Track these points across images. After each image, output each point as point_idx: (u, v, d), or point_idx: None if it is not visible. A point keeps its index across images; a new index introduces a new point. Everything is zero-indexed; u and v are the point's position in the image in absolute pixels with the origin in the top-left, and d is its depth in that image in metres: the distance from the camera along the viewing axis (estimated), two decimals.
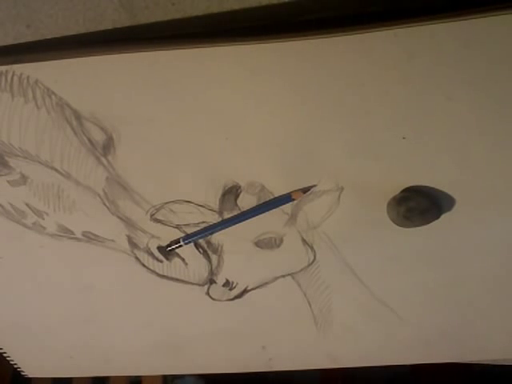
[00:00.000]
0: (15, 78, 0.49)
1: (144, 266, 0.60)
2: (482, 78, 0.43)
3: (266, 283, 0.59)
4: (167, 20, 0.48)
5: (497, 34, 0.41)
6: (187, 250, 0.58)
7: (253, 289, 0.60)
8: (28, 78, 0.49)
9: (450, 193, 0.49)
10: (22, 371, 0.73)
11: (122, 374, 0.71)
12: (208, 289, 0.60)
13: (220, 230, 0.55)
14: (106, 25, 0.49)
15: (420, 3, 0.43)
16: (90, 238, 0.58)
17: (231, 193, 0.53)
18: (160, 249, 0.58)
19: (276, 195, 0.53)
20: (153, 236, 0.58)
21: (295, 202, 0.52)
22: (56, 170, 0.53)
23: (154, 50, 0.47)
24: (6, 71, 0.49)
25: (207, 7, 0.47)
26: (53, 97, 0.50)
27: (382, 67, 0.44)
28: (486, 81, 0.43)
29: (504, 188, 0.48)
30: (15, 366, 0.72)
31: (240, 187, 0.53)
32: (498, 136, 0.46)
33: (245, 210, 0.54)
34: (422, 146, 0.47)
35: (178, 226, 0.56)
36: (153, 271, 0.60)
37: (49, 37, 0.49)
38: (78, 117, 0.50)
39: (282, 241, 0.56)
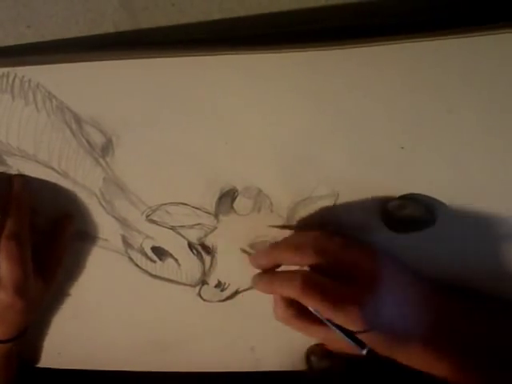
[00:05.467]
0: (17, 81, 0.49)
1: (137, 265, 0.60)
2: (483, 93, 0.44)
3: None
4: (169, 26, 0.48)
5: (499, 52, 0.42)
6: (181, 251, 0.58)
7: (244, 290, 0.60)
8: (30, 81, 0.49)
9: (446, 201, 0.50)
10: None
11: (110, 370, 0.70)
12: (200, 290, 0.61)
13: None
14: (107, 25, 0.49)
15: (424, 17, 0.43)
16: (84, 237, 0.58)
17: (228, 196, 0.53)
18: (154, 249, 0.58)
19: (272, 199, 0.53)
20: (147, 236, 0.58)
21: (291, 206, 0.53)
22: (53, 169, 0.53)
23: (156, 56, 0.47)
24: (8, 73, 0.48)
25: (207, 7, 0.47)
26: (53, 100, 0.49)
27: (385, 80, 0.45)
28: (486, 96, 0.44)
29: (500, 199, 0.49)
30: None
31: (237, 191, 0.53)
32: (496, 149, 0.46)
33: (240, 212, 0.55)
34: (419, 156, 0.48)
35: (172, 228, 0.57)
36: (145, 271, 0.60)
37: (49, 37, 0.49)
38: (78, 120, 0.50)
39: None
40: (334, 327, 0.47)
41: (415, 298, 0.50)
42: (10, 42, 0.49)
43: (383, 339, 0.48)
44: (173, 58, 0.47)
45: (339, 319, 0.46)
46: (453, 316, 0.51)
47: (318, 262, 0.47)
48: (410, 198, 0.50)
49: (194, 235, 0.57)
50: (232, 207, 0.54)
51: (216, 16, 0.47)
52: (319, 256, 0.47)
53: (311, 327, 0.49)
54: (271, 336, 0.63)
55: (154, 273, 0.60)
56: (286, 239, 0.53)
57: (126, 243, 0.58)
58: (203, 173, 0.52)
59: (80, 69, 0.48)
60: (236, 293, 0.60)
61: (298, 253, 0.48)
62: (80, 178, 0.54)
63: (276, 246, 0.52)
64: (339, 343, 0.49)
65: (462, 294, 0.53)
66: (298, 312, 0.49)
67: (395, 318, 0.48)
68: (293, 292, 0.47)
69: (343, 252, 0.49)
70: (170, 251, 0.58)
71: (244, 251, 0.56)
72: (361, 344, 0.46)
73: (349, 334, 0.47)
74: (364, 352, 0.46)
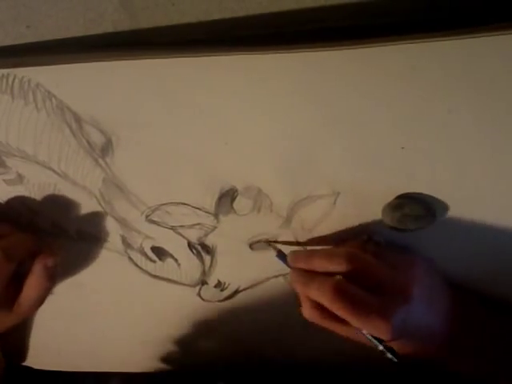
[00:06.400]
0: (16, 81, 0.49)
1: (137, 265, 0.60)
2: (482, 94, 0.44)
3: (258, 283, 0.59)
4: (169, 26, 0.48)
5: (499, 53, 0.42)
6: (181, 251, 0.58)
7: (244, 289, 0.60)
8: (29, 81, 0.49)
9: (446, 200, 0.50)
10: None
11: (110, 371, 0.71)
12: (199, 290, 0.61)
13: None
14: (106, 25, 0.49)
15: (424, 18, 0.43)
16: (83, 237, 0.58)
17: (228, 196, 0.53)
18: (154, 249, 0.58)
19: (272, 199, 0.53)
20: (147, 236, 0.58)
21: (291, 205, 0.53)
22: (53, 170, 0.53)
23: (156, 57, 0.47)
24: (8, 74, 0.49)
25: (207, 8, 0.47)
26: (53, 100, 0.49)
27: (385, 80, 0.44)
28: (486, 96, 0.44)
29: (500, 199, 0.49)
30: None
31: (237, 191, 0.53)
32: (496, 149, 0.46)
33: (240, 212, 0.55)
34: (420, 156, 0.47)
35: (172, 228, 0.57)
36: (145, 271, 0.60)
37: (49, 37, 0.49)
38: (78, 119, 0.50)
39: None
40: (366, 335, 0.48)
41: (443, 305, 0.51)
42: (10, 41, 0.49)
43: (409, 345, 0.50)
44: (173, 59, 0.47)
45: (367, 329, 0.47)
46: (477, 317, 0.53)
47: (350, 270, 0.48)
48: (410, 198, 0.50)
49: (193, 235, 0.57)
50: (232, 207, 0.54)
51: (216, 16, 0.47)
52: (351, 265, 0.48)
53: (338, 327, 0.50)
54: (273, 334, 0.64)
55: (153, 273, 0.60)
56: (323, 248, 0.54)
57: (126, 243, 0.58)
58: (203, 173, 0.52)
59: (80, 69, 0.48)
60: (236, 292, 0.60)
61: (331, 260, 0.49)
62: (79, 179, 0.54)
63: (313, 252, 0.52)
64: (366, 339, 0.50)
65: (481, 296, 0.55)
66: (325, 313, 0.49)
67: (422, 326, 0.49)
68: (324, 299, 0.47)
69: (375, 263, 0.49)
70: (170, 251, 0.59)
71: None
72: (392, 352, 0.48)
73: (380, 342, 0.48)
74: (395, 360, 0.48)
